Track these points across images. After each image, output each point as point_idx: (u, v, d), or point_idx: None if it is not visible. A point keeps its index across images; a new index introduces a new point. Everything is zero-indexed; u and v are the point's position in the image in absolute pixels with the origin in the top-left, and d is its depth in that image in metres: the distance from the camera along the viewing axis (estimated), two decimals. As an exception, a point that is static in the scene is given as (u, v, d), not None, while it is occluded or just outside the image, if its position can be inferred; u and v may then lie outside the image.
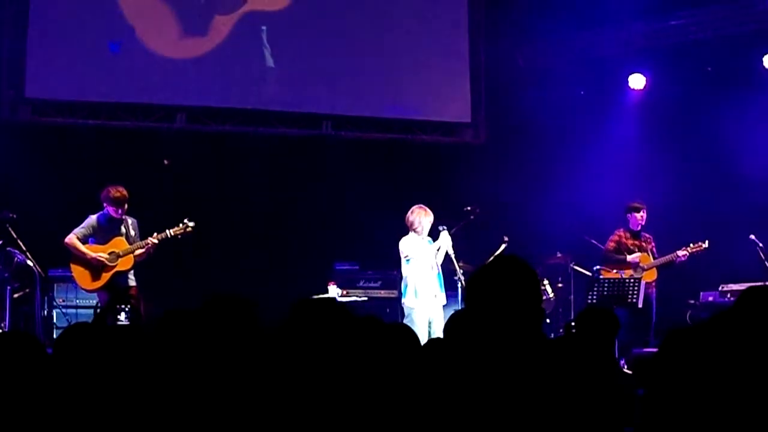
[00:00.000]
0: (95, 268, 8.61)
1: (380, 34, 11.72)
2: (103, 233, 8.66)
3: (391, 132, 11.93)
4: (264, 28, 11.36)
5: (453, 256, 8.91)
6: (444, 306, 8.92)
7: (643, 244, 10.17)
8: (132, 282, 8.74)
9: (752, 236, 10.17)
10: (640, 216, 10.15)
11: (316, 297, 7.30)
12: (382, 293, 10.41)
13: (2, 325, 8.92)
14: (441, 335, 6.78)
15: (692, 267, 10.18)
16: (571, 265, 10.83)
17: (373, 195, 11.00)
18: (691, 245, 10.04)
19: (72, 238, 8.59)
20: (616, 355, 7.55)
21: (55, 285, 9.85)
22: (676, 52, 11.61)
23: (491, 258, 4.11)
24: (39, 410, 2.89)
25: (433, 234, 8.98)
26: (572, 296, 10.82)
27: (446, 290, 9.04)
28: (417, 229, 8.92)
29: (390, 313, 9.97)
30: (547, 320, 10.63)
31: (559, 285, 11.02)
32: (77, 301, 9.72)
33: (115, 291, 8.60)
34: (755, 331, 3.06)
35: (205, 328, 3.21)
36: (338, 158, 11.49)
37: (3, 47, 10.64)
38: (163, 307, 3.55)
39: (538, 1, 11.53)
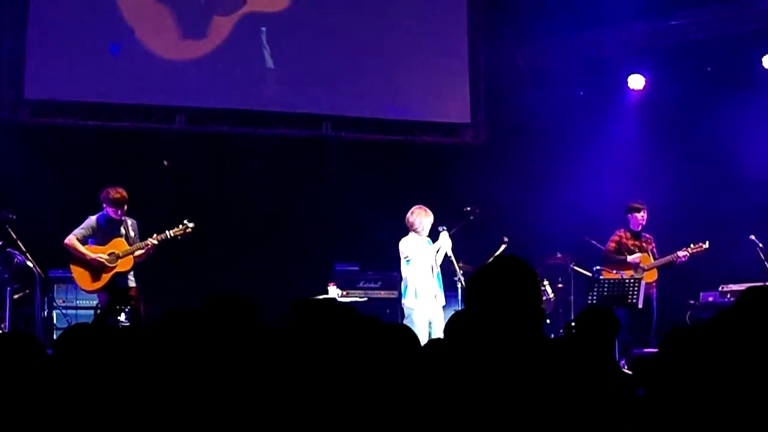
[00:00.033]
0: (95, 269, 8.62)
1: (380, 34, 11.72)
2: (103, 234, 8.67)
3: (390, 132, 11.92)
4: (264, 29, 11.35)
5: (453, 257, 8.91)
6: (443, 307, 8.92)
7: (644, 244, 10.17)
8: (132, 283, 8.74)
9: (752, 236, 10.17)
10: (641, 216, 10.15)
11: (316, 297, 7.30)
12: (382, 294, 10.41)
13: (2, 326, 8.92)
14: (441, 336, 6.78)
15: (692, 267, 10.18)
16: (571, 265, 10.82)
17: (373, 196, 11.00)
18: (692, 246, 10.04)
19: (72, 239, 8.59)
20: (617, 356, 7.55)
21: (55, 286, 9.85)
22: (676, 52, 11.61)
23: (491, 258, 4.11)
24: (39, 411, 2.89)
25: (433, 235, 8.98)
26: (572, 297, 10.81)
27: (446, 291, 9.04)
28: (418, 230, 8.92)
29: (390, 314, 9.97)
30: (547, 321, 10.63)
31: (559, 285, 11.02)
32: (77, 302, 9.72)
33: (115, 292, 8.60)
34: (755, 331, 3.06)
35: (205, 328, 3.21)
36: (338, 159, 11.49)
37: (3, 48, 10.64)
38: (163, 307, 3.54)
39: (538, 1, 11.53)
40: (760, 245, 10.13)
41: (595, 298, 9.49)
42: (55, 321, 9.83)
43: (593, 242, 10.39)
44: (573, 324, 6.00)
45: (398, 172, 11.66)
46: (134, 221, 8.81)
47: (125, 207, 8.59)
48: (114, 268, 8.61)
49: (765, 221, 10.50)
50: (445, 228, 8.94)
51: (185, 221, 8.82)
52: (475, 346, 2.79)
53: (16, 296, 9.27)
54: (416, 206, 9.03)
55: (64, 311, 9.72)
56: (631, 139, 11.82)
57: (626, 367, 8.22)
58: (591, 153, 11.63)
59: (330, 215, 11.44)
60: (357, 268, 10.73)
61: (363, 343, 3.15)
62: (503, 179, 11.62)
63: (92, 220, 8.67)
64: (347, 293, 10.19)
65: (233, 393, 3.01)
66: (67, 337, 3.15)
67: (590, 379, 2.80)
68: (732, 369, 2.85)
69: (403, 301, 8.97)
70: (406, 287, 8.92)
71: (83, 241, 8.61)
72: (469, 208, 9.77)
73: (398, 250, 8.97)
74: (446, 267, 9.02)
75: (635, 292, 9.42)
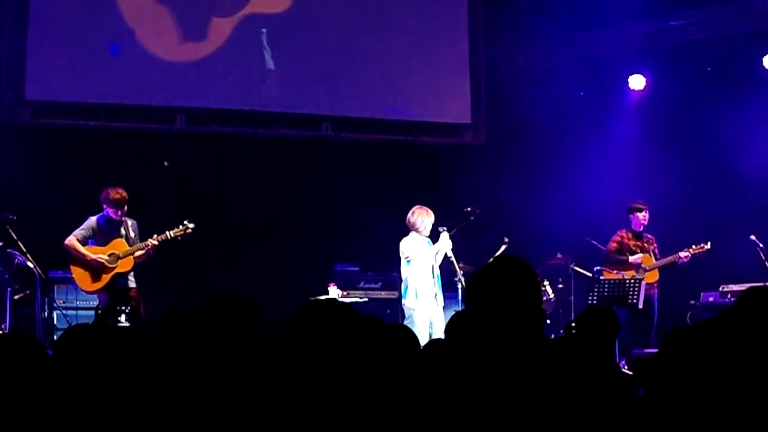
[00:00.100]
0: (95, 269, 8.62)
1: (380, 34, 11.71)
2: (103, 235, 8.67)
3: (390, 133, 11.92)
4: (264, 30, 11.35)
5: (453, 257, 8.90)
6: (443, 307, 8.92)
7: (645, 244, 10.16)
8: (132, 283, 8.75)
9: (753, 237, 10.16)
10: (643, 216, 10.14)
11: (318, 298, 7.31)
12: (383, 294, 10.42)
13: (2, 326, 8.92)
14: (442, 336, 6.78)
15: (693, 268, 10.18)
16: (572, 265, 10.82)
17: (373, 196, 11.00)
18: (693, 246, 10.03)
19: (72, 240, 8.59)
20: (617, 356, 7.55)
21: (56, 286, 9.85)
22: (676, 52, 11.61)
23: (491, 259, 4.11)
24: (39, 412, 2.89)
25: (433, 235, 8.98)
26: (572, 297, 10.81)
27: (446, 291, 9.04)
28: (419, 229, 8.92)
29: (390, 314, 9.98)
30: (548, 321, 10.62)
31: (560, 286, 11.02)
32: (77, 302, 9.72)
33: (115, 292, 8.60)
34: (756, 331, 3.05)
35: (205, 328, 3.21)
36: (338, 159, 11.49)
37: (3, 48, 10.64)
38: (163, 307, 3.54)
39: (538, 1, 11.53)
40: (761, 245, 10.13)
41: (595, 298, 9.49)
42: (55, 321, 9.82)
43: (593, 242, 10.39)
44: (573, 324, 5.99)
45: (398, 173, 11.66)
46: (134, 222, 8.81)
47: (125, 207, 8.59)
48: (114, 268, 8.61)
49: (765, 221, 10.50)
50: (445, 228, 8.94)
51: (185, 222, 8.82)
52: (475, 346, 2.78)
53: (16, 297, 9.28)
54: (417, 206, 9.04)
55: (64, 312, 9.72)
56: (631, 139, 11.82)
57: (626, 367, 8.22)
58: (591, 153, 11.63)
59: (330, 215, 11.44)
60: (357, 269, 10.74)
61: (363, 344, 3.15)
62: (503, 179, 11.62)
63: (92, 220, 8.67)
64: (347, 294, 10.19)
65: (233, 393, 3.00)
66: (68, 337, 3.15)
67: (590, 379, 2.80)
68: (732, 369, 2.85)
69: (403, 301, 8.97)
70: (406, 288, 8.92)
71: (83, 241, 8.61)
72: (469, 209, 9.77)
73: (398, 250, 8.97)
74: (446, 267, 9.01)
75: (635, 293, 9.42)
